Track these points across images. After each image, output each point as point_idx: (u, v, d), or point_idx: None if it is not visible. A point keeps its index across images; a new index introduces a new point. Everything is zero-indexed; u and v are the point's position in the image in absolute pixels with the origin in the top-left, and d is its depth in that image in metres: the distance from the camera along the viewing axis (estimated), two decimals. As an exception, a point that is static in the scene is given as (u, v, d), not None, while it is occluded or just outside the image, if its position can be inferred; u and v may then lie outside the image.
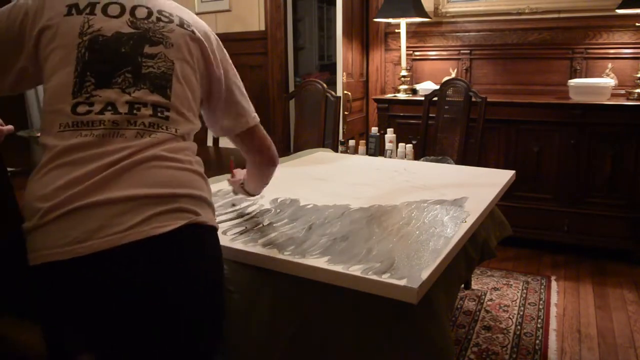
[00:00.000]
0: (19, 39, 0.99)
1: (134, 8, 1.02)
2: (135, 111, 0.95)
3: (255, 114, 1.22)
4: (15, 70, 1.01)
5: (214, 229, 1.01)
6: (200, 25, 1.12)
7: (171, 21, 1.05)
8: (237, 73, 1.20)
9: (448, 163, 2.33)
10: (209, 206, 1.01)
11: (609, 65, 2.99)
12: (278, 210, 1.48)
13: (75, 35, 0.96)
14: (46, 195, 0.88)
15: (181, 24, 1.06)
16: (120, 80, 0.96)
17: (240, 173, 1.46)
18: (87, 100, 0.93)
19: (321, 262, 1.12)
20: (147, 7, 1.04)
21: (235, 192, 1.56)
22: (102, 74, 0.95)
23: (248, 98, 1.22)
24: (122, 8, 1.01)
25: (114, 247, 0.85)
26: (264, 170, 1.31)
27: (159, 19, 1.03)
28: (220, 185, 1.75)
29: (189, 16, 1.11)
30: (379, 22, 3.55)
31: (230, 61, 1.19)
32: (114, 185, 0.89)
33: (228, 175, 1.56)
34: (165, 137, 0.97)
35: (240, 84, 1.20)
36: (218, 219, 1.39)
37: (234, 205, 1.54)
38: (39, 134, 0.99)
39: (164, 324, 0.92)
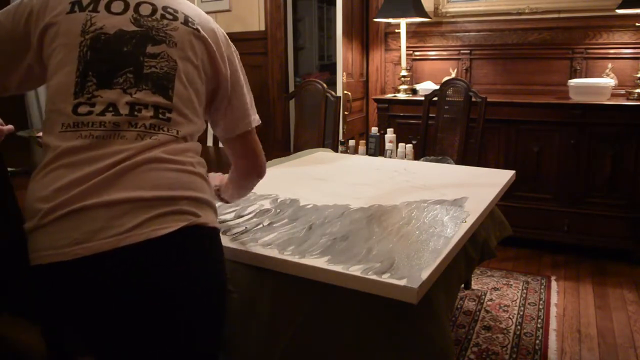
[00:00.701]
0: (25, 38, 0.98)
1: (138, 4, 1.00)
2: (136, 112, 0.94)
3: (257, 117, 1.19)
4: (22, 70, 1.01)
5: (215, 230, 1.00)
6: (206, 21, 1.09)
7: (176, 18, 1.03)
8: (244, 72, 1.16)
9: (448, 163, 2.33)
10: (210, 207, 1.00)
11: (609, 65, 2.99)
12: (278, 210, 1.48)
13: (77, 34, 0.95)
14: (47, 196, 0.88)
15: (186, 22, 1.04)
16: (122, 80, 0.94)
17: (214, 177, 1.35)
18: (89, 100, 0.93)
19: (321, 262, 1.12)
20: (152, 4, 1.02)
21: None
22: (104, 73, 0.94)
23: (253, 99, 1.18)
24: (126, 4, 0.99)
25: (114, 249, 0.85)
26: (249, 180, 1.26)
27: (163, 16, 1.01)
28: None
29: (195, 12, 1.08)
30: (379, 22, 3.55)
31: (239, 59, 1.15)
32: (114, 187, 0.88)
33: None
34: (166, 138, 0.96)
35: (246, 84, 1.17)
36: (218, 218, 1.39)
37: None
38: (39, 134, 0.99)
39: (164, 325, 0.91)
